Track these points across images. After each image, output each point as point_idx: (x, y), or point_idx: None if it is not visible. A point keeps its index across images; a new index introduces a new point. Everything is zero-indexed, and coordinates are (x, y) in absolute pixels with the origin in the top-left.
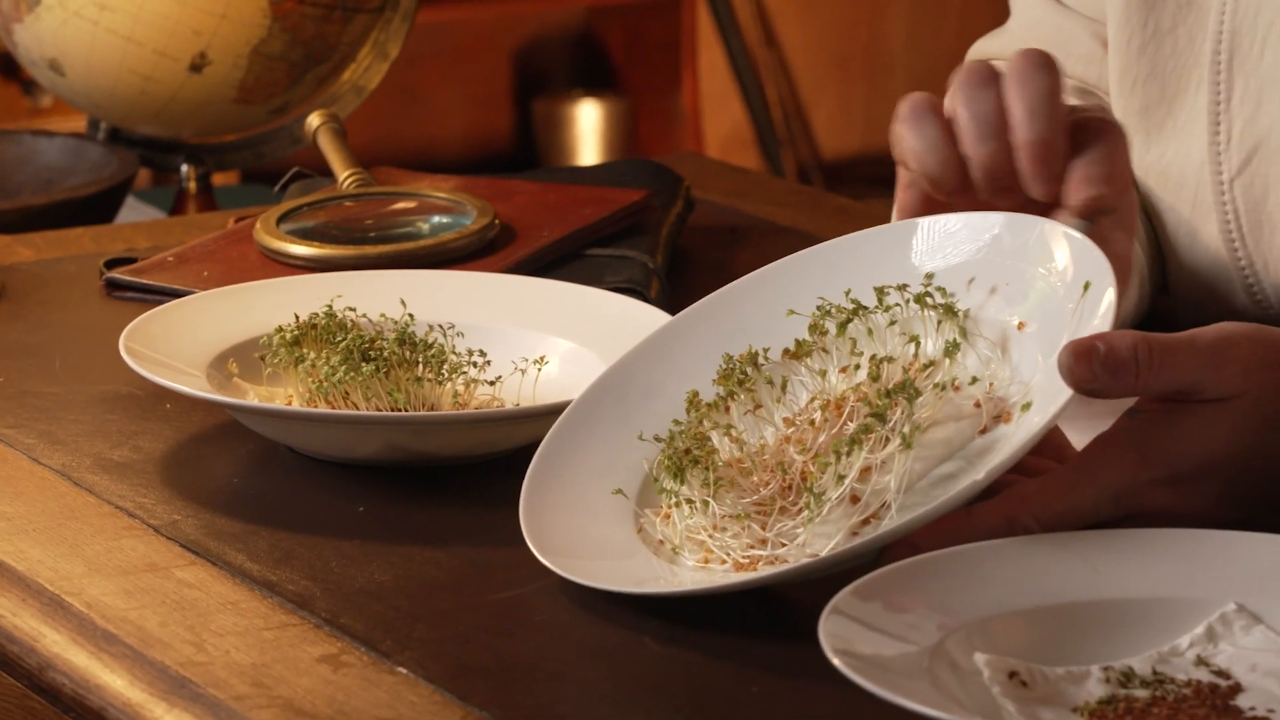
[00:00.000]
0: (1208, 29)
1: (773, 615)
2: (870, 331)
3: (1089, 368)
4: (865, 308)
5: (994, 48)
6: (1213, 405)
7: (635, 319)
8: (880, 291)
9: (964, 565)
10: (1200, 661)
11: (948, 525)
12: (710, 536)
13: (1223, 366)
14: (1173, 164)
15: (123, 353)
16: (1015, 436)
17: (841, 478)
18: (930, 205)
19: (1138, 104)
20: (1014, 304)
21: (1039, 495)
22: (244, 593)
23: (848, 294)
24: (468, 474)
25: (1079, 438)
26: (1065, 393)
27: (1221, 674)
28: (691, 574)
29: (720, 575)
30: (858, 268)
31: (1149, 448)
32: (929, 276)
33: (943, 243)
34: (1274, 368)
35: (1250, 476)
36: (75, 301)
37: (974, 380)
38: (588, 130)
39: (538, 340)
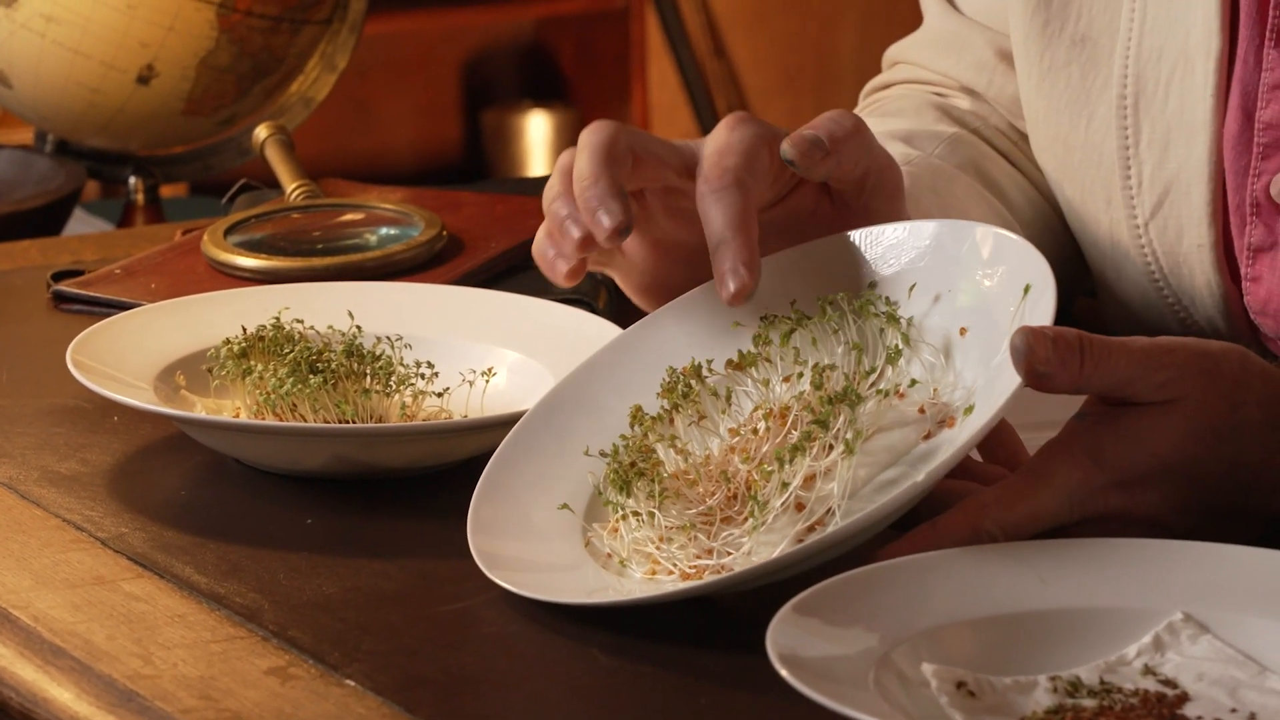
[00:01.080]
0: (1101, 67)
1: (721, 626)
2: (814, 341)
3: (1045, 348)
4: (808, 318)
5: (899, 49)
6: (1158, 409)
7: (583, 330)
8: (824, 302)
9: (911, 575)
10: (1148, 671)
11: (915, 538)
12: (657, 548)
13: (1156, 370)
14: (1085, 203)
15: (70, 365)
16: (963, 435)
17: (785, 485)
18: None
19: (1041, 138)
20: (956, 310)
21: (999, 503)
22: (192, 605)
23: (793, 305)
24: (416, 486)
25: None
26: (1007, 391)
27: (1169, 683)
28: (639, 585)
29: (667, 584)
30: (803, 280)
31: (1100, 451)
32: (872, 286)
33: (885, 253)
34: (1210, 375)
35: (1197, 484)
36: (22, 314)
37: (914, 382)
38: (537, 141)
39: (485, 352)
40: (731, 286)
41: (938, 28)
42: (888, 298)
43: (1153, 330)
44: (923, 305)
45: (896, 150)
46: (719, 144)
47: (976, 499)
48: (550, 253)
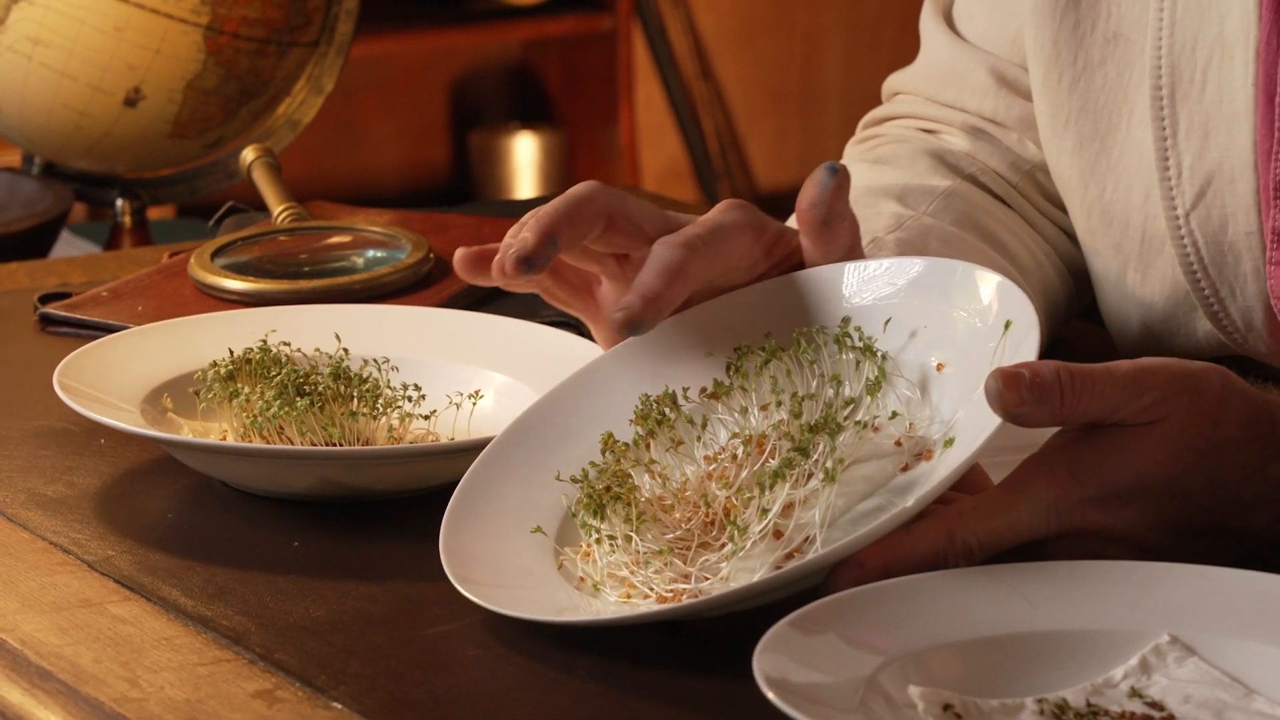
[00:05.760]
0: (1135, 63)
1: (708, 649)
2: (789, 373)
3: (1018, 392)
4: (782, 350)
5: (899, 81)
6: (1140, 428)
7: (570, 353)
8: (798, 334)
9: (898, 598)
10: (1134, 693)
11: (890, 542)
12: (632, 573)
13: (1141, 394)
14: (1114, 201)
15: (57, 388)
16: (941, 467)
17: (765, 511)
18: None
19: (1071, 142)
20: (933, 346)
21: (976, 512)
22: (178, 628)
23: (767, 337)
24: (402, 508)
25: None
26: (990, 425)
27: (1155, 705)
28: (614, 607)
29: (643, 606)
30: (778, 313)
31: (1080, 466)
32: (846, 320)
33: (862, 287)
34: (1192, 395)
35: (1176, 502)
36: (9, 337)
37: (894, 415)
38: (524, 163)
39: (472, 374)
40: (619, 314)
41: (941, 57)
42: (862, 331)
43: (1171, 335)
44: (899, 340)
45: (889, 209)
46: (701, 218)
47: (953, 507)
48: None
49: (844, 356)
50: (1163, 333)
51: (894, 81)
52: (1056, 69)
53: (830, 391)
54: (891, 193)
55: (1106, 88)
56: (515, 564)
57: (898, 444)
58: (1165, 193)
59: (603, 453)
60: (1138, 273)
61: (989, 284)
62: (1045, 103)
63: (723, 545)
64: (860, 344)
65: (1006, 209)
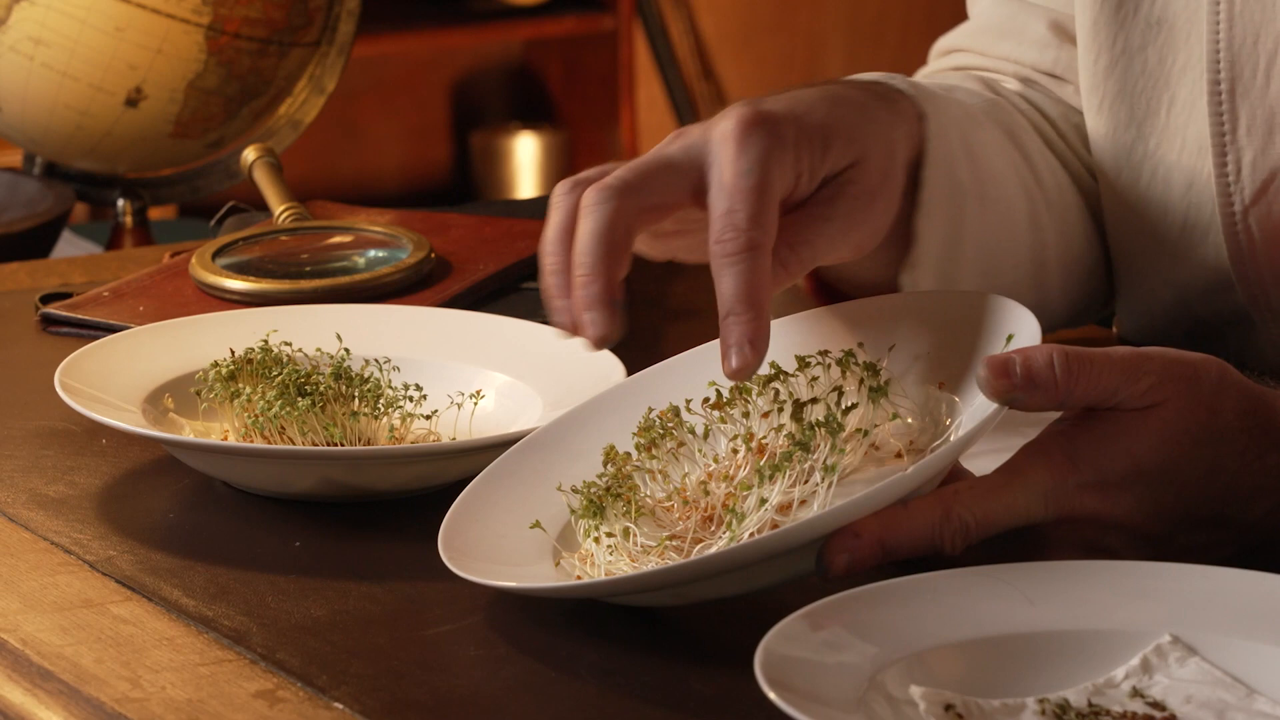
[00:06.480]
0: (1180, 50)
1: (709, 648)
2: (791, 394)
3: (1008, 379)
4: (786, 372)
5: (951, 40)
6: (1137, 414)
7: (571, 353)
8: (801, 360)
9: (900, 598)
10: (1136, 693)
11: (886, 516)
12: (629, 568)
13: (1139, 378)
14: (1152, 189)
15: (58, 388)
16: (945, 449)
17: (763, 501)
18: None
19: (1105, 125)
20: (936, 368)
21: (972, 491)
22: (180, 628)
23: (771, 364)
24: (404, 508)
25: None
26: (992, 405)
27: (1157, 705)
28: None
29: (635, 572)
30: (792, 346)
31: (1076, 452)
32: (849, 354)
33: (866, 321)
34: (1189, 382)
35: (1173, 489)
36: (10, 337)
37: (894, 416)
38: (525, 163)
39: (474, 374)
40: (734, 363)
41: (996, 13)
42: (865, 350)
43: (1201, 318)
44: (902, 365)
45: (935, 87)
46: (728, 185)
47: (951, 486)
48: (555, 303)
49: (846, 374)
50: (1199, 304)
51: (944, 42)
52: (1094, 49)
53: (833, 398)
54: (940, 87)
55: (1146, 73)
56: (512, 558)
57: (898, 456)
58: (1222, 188)
59: (605, 464)
60: (1172, 259)
61: (994, 304)
62: (1084, 83)
63: (720, 539)
64: (861, 364)
65: (1042, 143)
